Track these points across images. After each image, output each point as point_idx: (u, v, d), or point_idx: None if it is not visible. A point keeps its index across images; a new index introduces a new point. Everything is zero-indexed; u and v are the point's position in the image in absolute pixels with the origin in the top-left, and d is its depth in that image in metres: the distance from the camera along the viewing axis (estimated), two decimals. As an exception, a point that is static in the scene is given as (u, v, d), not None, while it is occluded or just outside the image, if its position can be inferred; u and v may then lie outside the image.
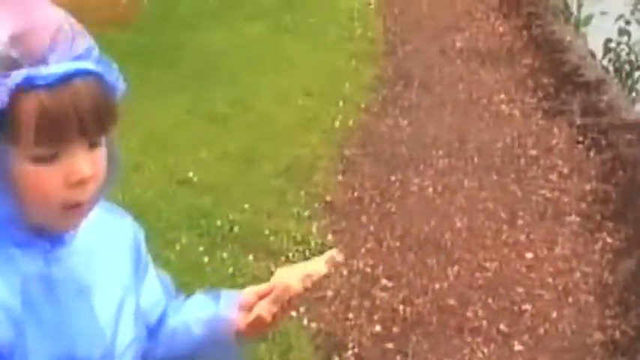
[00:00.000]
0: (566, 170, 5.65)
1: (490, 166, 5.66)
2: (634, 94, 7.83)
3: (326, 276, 2.02)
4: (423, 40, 7.93)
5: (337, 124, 6.07)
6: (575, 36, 8.15)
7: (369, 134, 6.10)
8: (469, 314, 4.06)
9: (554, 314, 4.10)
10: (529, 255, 4.61)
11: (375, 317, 3.99)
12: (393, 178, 5.43)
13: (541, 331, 3.97)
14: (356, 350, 3.75)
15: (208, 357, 2.21)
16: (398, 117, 6.43)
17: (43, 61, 1.62)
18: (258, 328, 2.07)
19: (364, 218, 4.91)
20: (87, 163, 1.73)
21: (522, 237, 4.80)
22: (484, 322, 4.00)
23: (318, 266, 2.04)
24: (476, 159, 5.74)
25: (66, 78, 1.63)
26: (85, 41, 1.67)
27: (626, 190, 5.32)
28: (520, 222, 4.96)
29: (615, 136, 6.06)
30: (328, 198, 5.03)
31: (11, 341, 1.76)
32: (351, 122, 6.14)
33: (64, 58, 1.63)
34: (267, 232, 4.51)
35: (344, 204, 5.04)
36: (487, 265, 4.49)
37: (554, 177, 5.56)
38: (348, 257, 4.46)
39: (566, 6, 9.00)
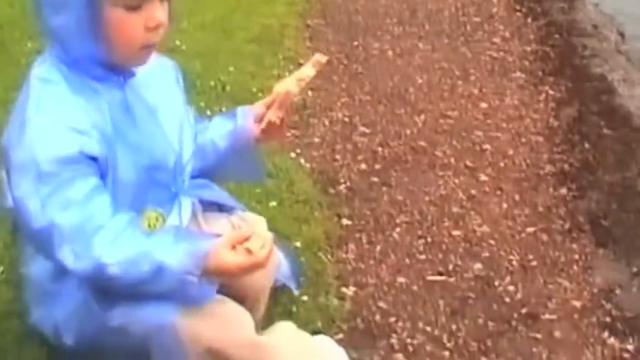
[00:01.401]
0: (507, 34, 6.27)
1: (440, 31, 6.26)
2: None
3: (315, 76, 2.58)
4: None
5: (297, -3, 6.61)
6: None
7: (326, 6, 6.65)
8: (438, 153, 4.64)
9: (511, 151, 4.69)
10: (483, 105, 5.22)
11: (359, 157, 4.54)
12: (355, 43, 6.00)
13: (501, 164, 4.56)
14: (348, 184, 4.30)
15: (233, 168, 2.78)
16: (349, -10, 6.98)
17: None
18: (270, 134, 2.65)
19: (335, 77, 5.47)
20: (161, 12, 2.28)
21: (475, 90, 5.41)
22: (452, 159, 4.58)
23: (307, 70, 2.62)
24: (427, 26, 6.34)
25: None
26: None
27: (562, 51, 5.96)
28: (472, 78, 5.57)
29: (549, 5, 6.70)
30: (301, 61, 5.54)
31: (105, 155, 2.28)
32: (309, -4, 6.68)
33: None
34: (254, 89, 5.00)
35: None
36: (448, 113, 5.08)
37: (497, 40, 6.17)
38: (327, 109, 5.04)
39: None
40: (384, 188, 4.30)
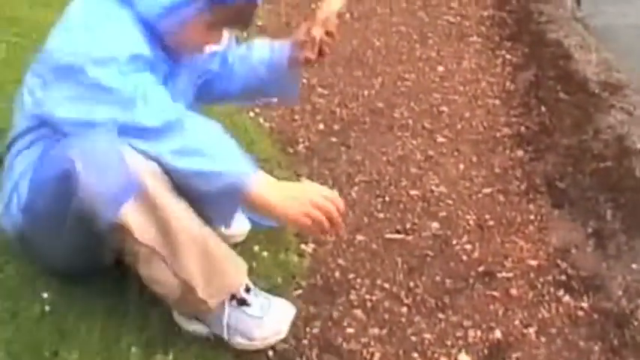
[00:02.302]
0: (464, -1, 6.32)
1: (398, -6, 6.29)
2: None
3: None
4: None
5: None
6: None
7: (282, -31, 6.61)
8: (396, 115, 4.66)
9: (468, 114, 4.72)
10: (441, 68, 5.24)
11: (318, 118, 4.56)
12: (313, 5, 5.97)
13: (459, 127, 4.59)
14: (306, 144, 4.31)
15: (272, 90, 3.21)
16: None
17: None
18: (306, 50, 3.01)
19: (294, 39, 5.46)
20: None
21: (433, 54, 5.43)
22: (410, 121, 4.60)
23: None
24: (385, -12, 6.36)
25: None
26: None
27: (519, 17, 5.99)
28: (430, 42, 5.59)
29: (506, -30, 6.72)
30: (260, 23, 5.55)
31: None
32: (263, -43, 6.61)
33: None
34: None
35: (274, 29, 5.58)
36: (406, 76, 5.10)
37: (455, 5, 6.19)
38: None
39: None
40: (343, 148, 4.31)
